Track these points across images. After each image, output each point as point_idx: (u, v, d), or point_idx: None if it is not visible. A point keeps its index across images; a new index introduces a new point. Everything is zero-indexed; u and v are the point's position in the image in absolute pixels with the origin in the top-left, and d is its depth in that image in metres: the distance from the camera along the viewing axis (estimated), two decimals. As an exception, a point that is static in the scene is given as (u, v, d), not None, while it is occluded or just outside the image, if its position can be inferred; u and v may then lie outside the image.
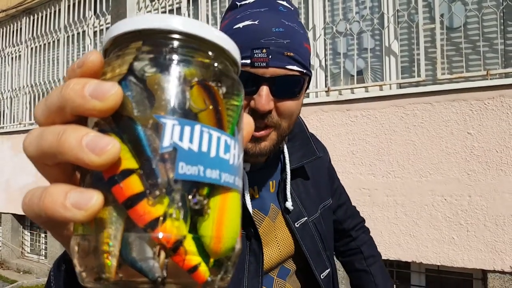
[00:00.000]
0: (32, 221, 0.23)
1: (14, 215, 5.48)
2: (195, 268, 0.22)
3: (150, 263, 0.21)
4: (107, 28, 4.53)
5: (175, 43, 0.24)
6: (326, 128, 2.83)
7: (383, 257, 2.65)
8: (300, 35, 0.73)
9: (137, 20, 0.24)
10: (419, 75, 2.66)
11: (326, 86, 3.06)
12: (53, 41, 5.16)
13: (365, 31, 2.91)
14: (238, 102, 0.27)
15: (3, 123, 5.75)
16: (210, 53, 0.25)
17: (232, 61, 0.28)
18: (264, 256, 0.78)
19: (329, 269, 0.88)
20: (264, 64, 0.67)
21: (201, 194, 0.23)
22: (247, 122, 0.32)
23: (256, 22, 0.69)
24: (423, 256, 2.50)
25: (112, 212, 0.22)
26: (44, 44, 5.29)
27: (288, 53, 0.69)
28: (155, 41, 0.24)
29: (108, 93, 0.22)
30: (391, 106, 2.64)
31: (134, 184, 0.21)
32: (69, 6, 4.89)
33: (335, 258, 1.07)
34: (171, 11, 3.99)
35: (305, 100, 3.24)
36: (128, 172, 0.22)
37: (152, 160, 0.21)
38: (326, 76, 3.13)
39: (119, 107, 0.22)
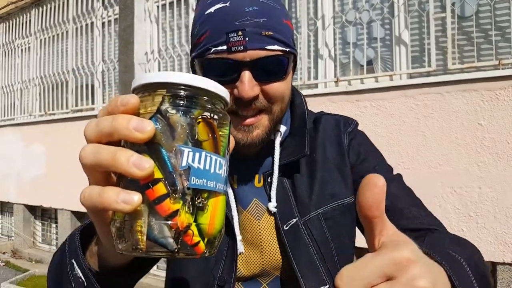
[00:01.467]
0: (87, 210, 0.31)
1: (26, 205, 5.55)
2: (197, 243, 0.35)
3: (169, 240, 0.33)
4: (115, 19, 4.54)
5: (188, 92, 0.36)
6: (334, 119, 2.81)
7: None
8: (277, 12, 0.68)
9: (163, 74, 0.35)
10: (429, 65, 2.62)
11: (335, 76, 3.04)
12: (62, 33, 5.18)
13: (375, 20, 2.87)
14: (227, 130, 0.39)
15: (14, 115, 5.81)
16: (208, 98, 0.37)
17: (223, 101, 0.40)
18: (246, 256, 0.76)
19: (327, 286, 0.73)
20: (242, 48, 0.63)
21: (203, 196, 0.35)
22: (231, 140, 0.42)
23: (227, 4, 0.64)
24: (432, 247, 2.49)
25: (143, 206, 0.33)
26: (53, 36, 5.32)
27: (267, 33, 0.64)
28: (174, 91, 0.35)
29: (146, 129, 0.33)
30: (401, 96, 2.61)
31: (161, 189, 0.33)
32: (77, -3, 4.90)
33: None
34: (178, 1, 3.98)
35: (314, 91, 3.22)
36: (157, 181, 0.33)
37: (174, 174, 0.34)
38: (335, 66, 3.11)
39: None
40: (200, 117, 0.36)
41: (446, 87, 2.46)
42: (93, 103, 4.76)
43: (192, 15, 3.93)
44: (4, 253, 5.65)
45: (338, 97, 2.85)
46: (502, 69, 2.35)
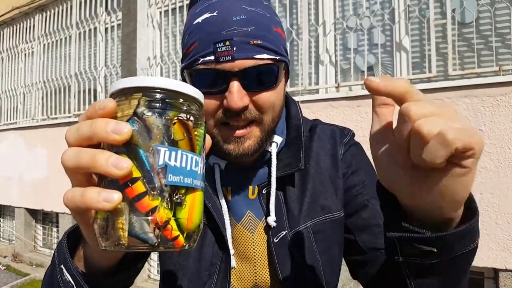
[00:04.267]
0: (71, 211, 0.32)
1: (27, 209, 5.56)
2: (176, 237, 0.36)
3: (150, 235, 0.34)
4: (118, 25, 4.57)
5: (162, 95, 0.37)
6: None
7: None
8: (266, 19, 0.67)
9: (138, 79, 0.37)
10: (430, 71, 2.63)
11: (336, 82, 3.05)
12: (65, 38, 5.21)
13: (376, 26, 2.89)
14: (202, 130, 0.41)
15: (16, 118, 5.84)
16: (183, 100, 0.39)
17: (198, 103, 0.41)
18: (238, 270, 0.75)
19: None
20: (230, 58, 0.62)
21: (181, 193, 0.37)
22: (207, 140, 0.44)
23: (215, 14, 0.64)
24: (433, 253, 2.48)
25: (124, 204, 0.35)
26: (56, 41, 5.35)
27: (255, 41, 0.63)
28: (149, 94, 0.37)
29: (123, 131, 0.35)
30: (401, 102, 2.61)
31: (139, 187, 0.35)
32: (80, 3, 4.93)
33: None
34: (181, 8, 4.00)
35: (315, 96, 3.22)
36: (136, 180, 0.35)
37: (151, 172, 0.35)
38: (336, 72, 3.12)
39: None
40: (176, 118, 0.37)
41: (446, 93, 2.46)
42: (95, 107, 4.77)
43: (194, 20, 3.95)
44: (5, 257, 5.65)
45: (339, 103, 2.85)
46: (503, 75, 2.35)
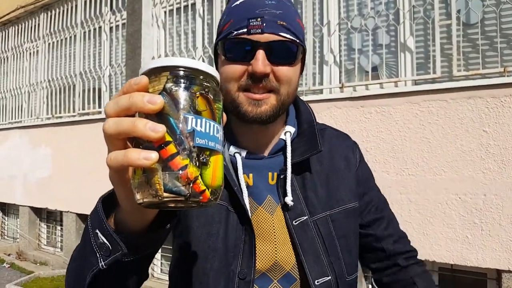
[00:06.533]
0: (113, 168, 0.36)
1: (31, 207, 5.59)
2: (203, 191, 0.42)
3: (182, 188, 0.41)
4: (123, 24, 4.59)
5: (186, 73, 0.44)
6: (339, 124, 2.82)
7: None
8: (292, 10, 0.80)
9: (166, 60, 0.44)
10: (434, 72, 2.63)
11: (340, 82, 3.05)
12: (70, 37, 5.24)
13: (380, 27, 2.89)
14: (220, 104, 0.47)
15: (21, 117, 5.87)
16: (203, 77, 0.45)
17: (215, 80, 0.48)
18: (259, 250, 0.80)
19: (329, 277, 0.80)
20: (259, 31, 0.73)
21: (206, 154, 0.43)
22: (223, 115, 0.50)
23: None
24: (436, 254, 2.49)
25: (158, 164, 0.41)
26: (61, 40, 5.38)
27: (281, 22, 0.74)
28: (176, 72, 0.44)
29: (157, 101, 0.41)
30: (406, 103, 2.62)
31: (172, 149, 0.41)
32: (85, 2, 4.95)
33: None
34: (185, 7, 4.01)
35: (319, 96, 3.24)
36: (168, 142, 0.41)
37: (181, 136, 0.41)
38: (340, 72, 3.12)
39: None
40: (198, 92, 0.44)
41: (451, 93, 2.46)
42: (100, 106, 4.80)
43: (198, 21, 3.97)
44: (9, 254, 5.69)
45: (343, 103, 2.86)
46: (507, 76, 2.35)
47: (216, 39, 0.82)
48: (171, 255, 0.90)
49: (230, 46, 0.77)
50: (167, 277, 4.03)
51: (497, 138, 2.33)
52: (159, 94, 0.42)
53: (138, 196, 0.43)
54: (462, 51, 2.60)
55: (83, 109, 4.92)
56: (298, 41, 0.77)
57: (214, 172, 0.44)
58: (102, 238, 0.54)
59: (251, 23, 0.73)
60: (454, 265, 2.53)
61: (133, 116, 0.44)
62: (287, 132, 0.86)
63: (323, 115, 2.88)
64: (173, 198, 0.41)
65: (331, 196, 0.86)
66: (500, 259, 2.30)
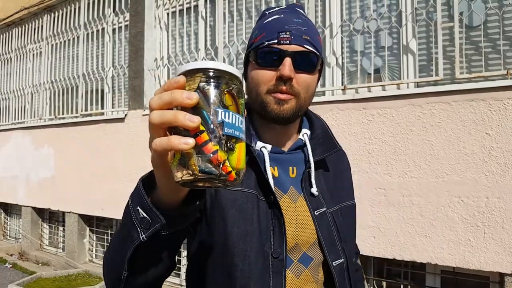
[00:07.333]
0: (158, 152, 0.53)
1: (34, 208, 5.61)
2: (230, 172, 0.50)
3: (213, 169, 0.48)
4: (126, 26, 4.60)
5: (216, 74, 0.52)
6: (342, 126, 2.83)
7: (398, 258, 2.64)
8: (314, 29, 0.94)
9: (200, 63, 0.52)
10: (437, 74, 2.62)
11: (342, 84, 3.05)
12: (73, 38, 5.26)
13: (383, 29, 2.89)
14: (243, 100, 0.55)
15: (24, 118, 5.89)
16: (229, 77, 0.53)
17: (239, 80, 0.56)
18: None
19: (342, 259, 0.96)
20: (288, 42, 0.87)
21: (232, 141, 0.50)
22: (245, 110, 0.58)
23: (281, 16, 0.92)
24: (439, 257, 2.48)
25: (194, 148, 0.48)
26: (64, 41, 5.40)
27: (306, 37, 0.89)
28: (207, 73, 0.52)
29: (193, 97, 0.49)
30: (408, 105, 2.61)
31: (205, 136, 0.48)
32: (89, 3, 4.97)
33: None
34: (188, 9, 4.02)
35: (321, 98, 3.23)
36: (202, 131, 0.49)
37: (213, 126, 0.49)
38: (342, 74, 3.12)
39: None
40: (226, 90, 0.52)
41: (453, 96, 2.46)
42: (102, 108, 4.81)
43: (201, 23, 3.98)
44: (11, 255, 5.70)
45: (345, 105, 2.86)
46: (510, 78, 2.34)
47: (248, 49, 0.97)
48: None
49: (262, 54, 0.91)
50: (177, 280, 4.03)
51: (500, 140, 2.32)
52: (194, 91, 0.50)
53: (178, 175, 0.50)
54: (465, 54, 2.60)
55: (86, 110, 4.94)
56: (318, 53, 0.90)
57: (239, 156, 0.52)
58: (143, 213, 0.62)
59: (281, 35, 0.87)
60: (456, 268, 2.52)
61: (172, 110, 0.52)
62: (305, 134, 1.01)
63: (326, 117, 2.88)
64: (206, 176, 0.49)
65: (338, 193, 1.03)
66: (503, 262, 2.29)
